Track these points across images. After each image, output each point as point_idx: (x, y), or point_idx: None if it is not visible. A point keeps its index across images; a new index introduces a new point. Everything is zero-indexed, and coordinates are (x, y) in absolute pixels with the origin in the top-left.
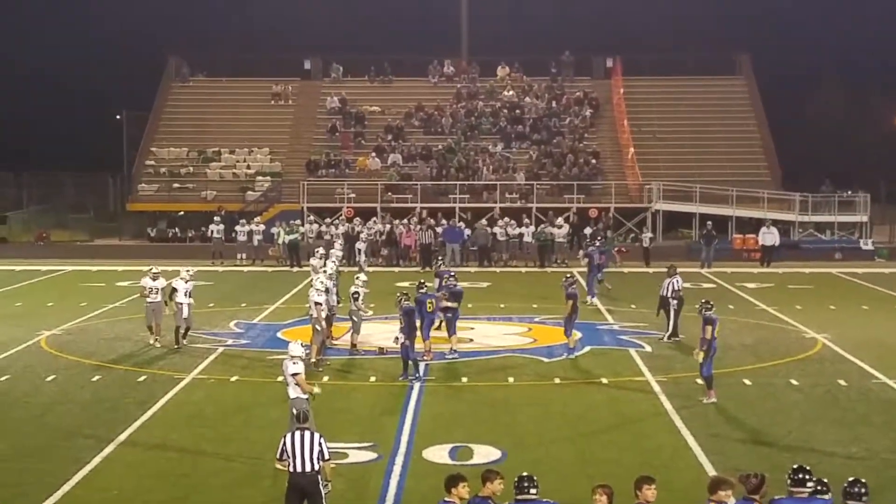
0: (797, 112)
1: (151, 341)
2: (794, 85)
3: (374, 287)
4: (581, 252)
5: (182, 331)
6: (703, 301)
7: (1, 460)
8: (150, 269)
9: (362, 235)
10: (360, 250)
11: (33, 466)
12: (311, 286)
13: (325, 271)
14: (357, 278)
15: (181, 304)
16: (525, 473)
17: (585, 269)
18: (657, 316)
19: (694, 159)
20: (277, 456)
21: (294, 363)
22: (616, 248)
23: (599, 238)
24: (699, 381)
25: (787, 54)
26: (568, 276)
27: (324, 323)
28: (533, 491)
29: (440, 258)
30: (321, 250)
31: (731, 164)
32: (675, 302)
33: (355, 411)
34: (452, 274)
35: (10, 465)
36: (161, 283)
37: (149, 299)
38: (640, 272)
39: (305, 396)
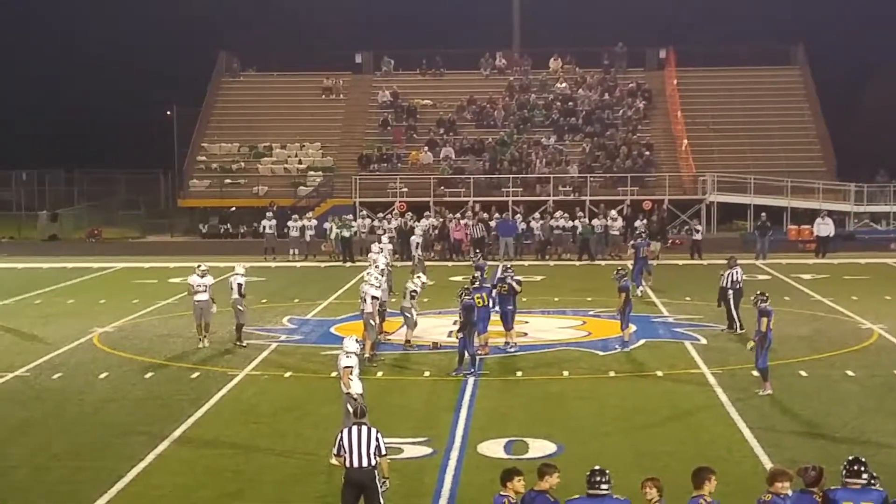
0: (852, 101)
1: (200, 344)
2: (848, 74)
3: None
4: (630, 244)
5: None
6: (758, 293)
7: (56, 458)
8: (198, 266)
9: (417, 230)
10: (417, 244)
11: (88, 464)
12: (364, 280)
13: (377, 266)
14: (418, 277)
15: (241, 299)
16: (597, 467)
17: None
18: (718, 307)
19: (748, 150)
20: (335, 451)
21: (347, 357)
22: (670, 240)
23: (645, 231)
24: (755, 373)
25: (842, 42)
26: (619, 269)
27: (377, 318)
28: (605, 486)
29: (478, 252)
30: (377, 245)
31: (786, 154)
32: (732, 293)
33: (410, 406)
34: (509, 267)
35: (64, 462)
36: (209, 280)
37: (196, 297)
38: (695, 264)
39: (348, 391)
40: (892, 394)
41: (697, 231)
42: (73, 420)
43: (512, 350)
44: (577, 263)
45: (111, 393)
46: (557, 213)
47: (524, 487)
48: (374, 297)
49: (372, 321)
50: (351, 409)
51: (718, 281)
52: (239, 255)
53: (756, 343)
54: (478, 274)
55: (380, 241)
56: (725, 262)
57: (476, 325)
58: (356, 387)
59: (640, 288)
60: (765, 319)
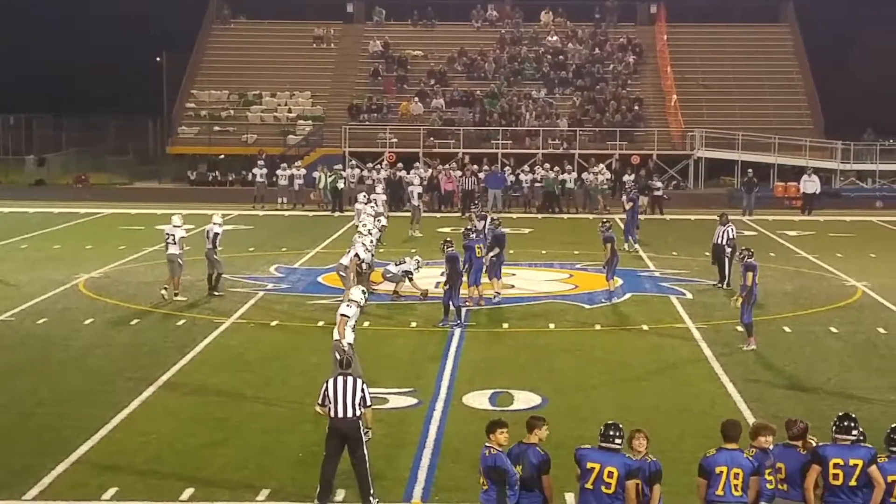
0: (841, 60)
1: (163, 292)
2: (838, 32)
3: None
4: (624, 197)
5: (214, 278)
6: (743, 248)
7: (41, 403)
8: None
9: (415, 180)
10: (418, 195)
11: (72, 410)
12: (359, 233)
13: (369, 231)
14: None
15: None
16: (612, 421)
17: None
18: (713, 264)
19: (737, 107)
20: (319, 401)
21: (348, 305)
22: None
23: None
24: (739, 328)
25: (832, 1)
26: (604, 220)
27: (352, 274)
28: (618, 441)
29: (477, 203)
30: (364, 196)
31: (774, 111)
32: (730, 250)
33: (396, 357)
34: (495, 218)
35: (49, 408)
36: (180, 232)
37: (168, 250)
38: (681, 219)
39: (339, 338)
40: (875, 350)
41: (658, 188)
42: (58, 366)
43: (495, 301)
44: (539, 216)
45: (96, 339)
46: (536, 167)
47: (506, 440)
48: (356, 255)
49: (342, 273)
50: (337, 358)
51: (712, 237)
52: (227, 202)
53: (743, 298)
54: (480, 224)
55: (372, 192)
56: (717, 218)
57: (461, 277)
58: (349, 336)
59: (634, 244)
60: (750, 274)
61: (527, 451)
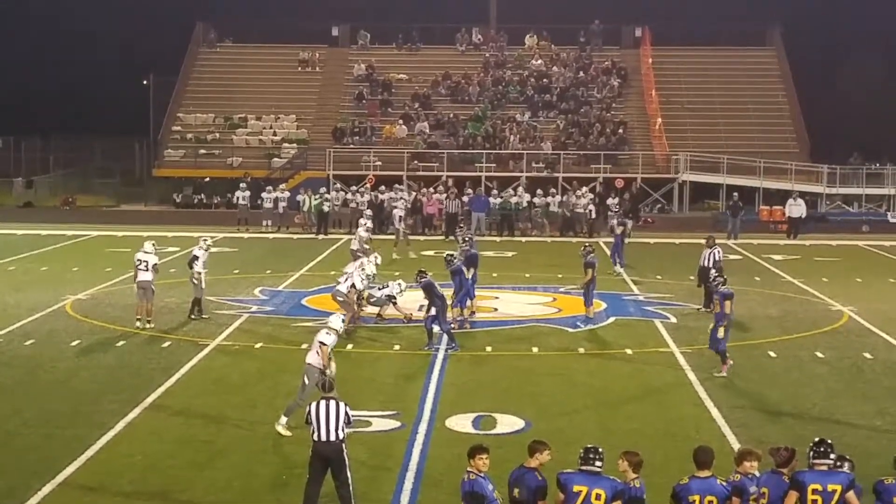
0: (827, 84)
1: (138, 324)
2: (823, 56)
3: (403, 255)
4: (615, 221)
5: (197, 302)
6: (717, 275)
7: (26, 425)
8: (146, 242)
9: (399, 203)
10: (400, 217)
11: (58, 431)
12: (358, 269)
13: (365, 271)
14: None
15: (200, 273)
16: (591, 445)
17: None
18: (699, 287)
19: (722, 130)
20: (304, 421)
21: (327, 333)
22: (642, 218)
23: (619, 209)
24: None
25: (817, 25)
26: (586, 245)
27: (352, 301)
28: (598, 463)
29: (461, 226)
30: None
31: (760, 135)
32: (715, 273)
33: (379, 379)
34: (469, 237)
35: (35, 429)
36: (152, 258)
37: (138, 277)
38: (667, 243)
39: (320, 367)
40: (861, 375)
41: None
42: (44, 387)
43: (471, 319)
44: (498, 239)
45: (82, 361)
46: (520, 190)
47: (485, 466)
48: (353, 286)
49: (340, 298)
50: (318, 384)
51: (699, 260)
52: (212, 225)
53: (724, 327)
54: (465, 247)
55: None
56: (704, 241)
57: (443, 301)
58: (312, 357)
59: (618, 268)
60: (728, 302)
61: (525, 476)
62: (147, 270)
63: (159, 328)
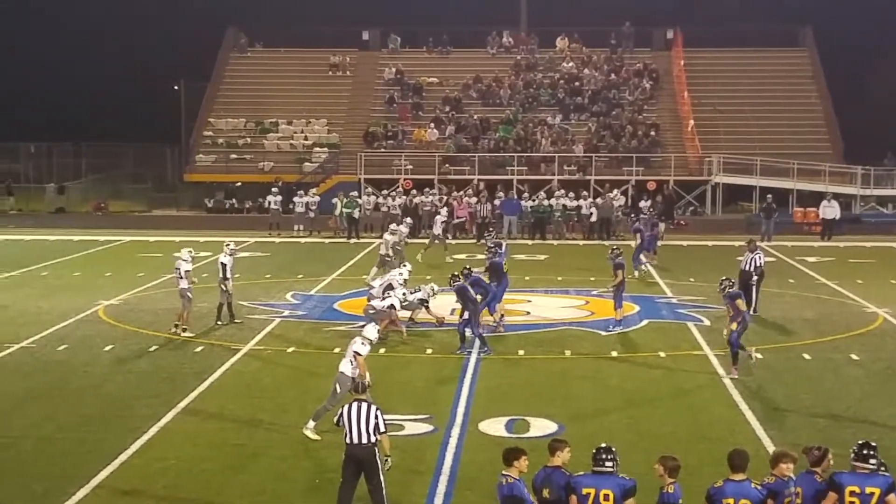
0: (860, 84)
1: (173, 329)
2: (856, 57)
3: (431, 259)
4: (639, 224)
5: (226, 307)
6: (724, 278)
7: (61, 430)
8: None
9: (442, 211)
10: (442, 223)
11: (92, 436)
12: (392, 287)
13: (401, 284)
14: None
15: (228, 279)
16: (604, 445)
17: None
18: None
19: (755, 132)
20: (335, 423)
21: (363, 343)
22: (676, 221)
23: (649, 211)
24: (757, 354)
25: (850, 26)
26: (614, 248)
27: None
28: (609, 464)
29: (491, 231)
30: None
31: (793, 136)
32: (756, 278)
33: (412, 383)
34: (496, 243)
35: (70, 434)
36: (184, 265)
37: (179, 284)
38: (700, 245)
39: (353, 376)
40: None
41: (592, 211)
42: (78, 392)
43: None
44: (530, 243)
45: (116, 366)
46: (558, 192)
47: (527, 467)
48: (391, 306)
49: (371, 312)
50: (346, 388)
51: (741, 264)
52: (244, 230)
53: (738, 324)
54: (490, 255)
55: (399, 223)
56: (746, 244)
57: (476, 304)
58: (345, 366)
59: (637, 270)
60: (740, 301)
61: (552, 475)
62: (182, 278)
63: (192, 331)
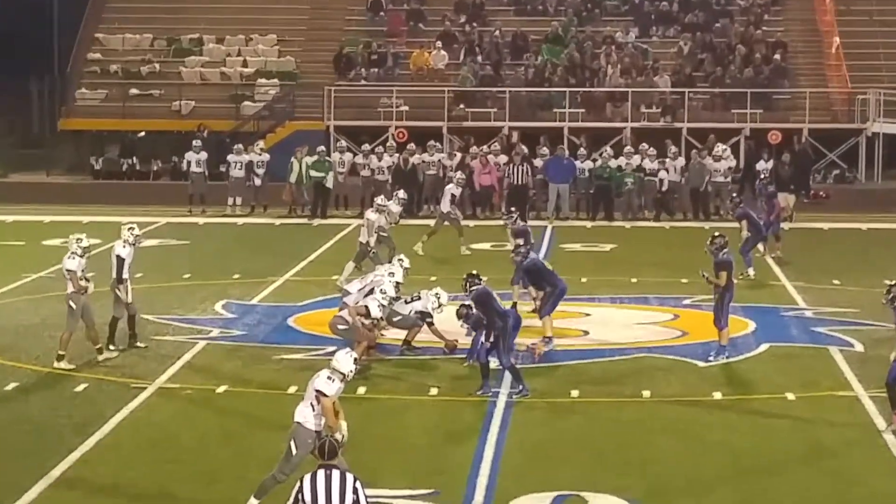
0: None
1: (100, 357)
2: None
3: (440, 249)
4: (730, 204)
5: (123, 323)
6: (893, 283)
7: None
8: (75, 239)
9: (456, 177)
10: (453, 197)
11: None
12: (377, 289)
13: (392, 274)
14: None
15: (125, 281)
16: None
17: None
18: None
19: None
20: (291, 501)
21: (330, 379)
22: (812, 192)
23: (768, 178)
24: None
25: None
26: (717, 235)
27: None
28: None
29: (513, 212)
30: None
31: None
32: None
33: (408, 441)
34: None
35: None
36: (68, 262)
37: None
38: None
39: (316, 428)
40: None
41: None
42: None
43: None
44: (589, 225)
45: None
46: (627, 149)
47: None
48: (367, 311)
49: (340, 327)
50: (306, 448)
51: None
52: (150, 204)
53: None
54: (520, 242)
55: (391, 198)
56: None
57: (504, 321)
58: (304, 414)
59: (750, 268)
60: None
61: None
62: (68, 279)
63: (72, 361)
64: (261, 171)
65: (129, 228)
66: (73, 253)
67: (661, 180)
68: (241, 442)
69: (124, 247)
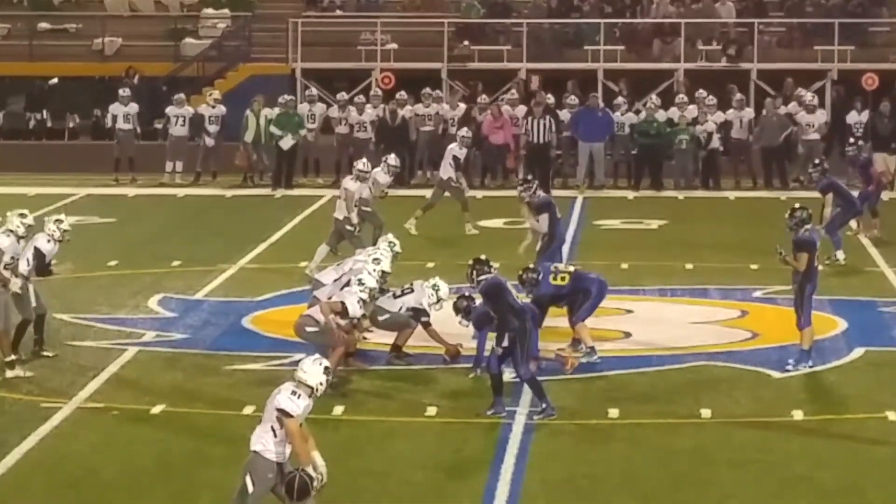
0: None
1: (14, 373)
2: None
3: (438, 227)
4: (811, 171)
5: (32, 327)
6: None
7: None
8: None
9: (461, 133)
10: (456, 160)
11: None
12: (354, 280)
13: (376, 261)
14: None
15: (24, 275)
16: None
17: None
18: None
19: None
20: None
21: (294, 394)
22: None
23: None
24: None
25: None
26: (798, 208)
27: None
28: None
29: (532, 179)
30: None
31: None
32: None
33: (399, 475)
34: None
35: None
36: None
37: None
38: None
39: (276, 459)
40: None
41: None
42: None
43: (585, 359)
44: (631, 196)
45: None
46: (680, 98)
47: None
48: (343, 308)
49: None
50: (266, 484)
51: None
52: (65, 172)
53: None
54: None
55: (377, 163)
56: None
57: (522, 322)
58: (318, 459)
59: (839, 251)
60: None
61: None
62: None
63: None
64: (214, 129)
65: (57, 221)
66: (8, 230)
67: (710, 133)
68: (183, 477)
69: (49, 242)
